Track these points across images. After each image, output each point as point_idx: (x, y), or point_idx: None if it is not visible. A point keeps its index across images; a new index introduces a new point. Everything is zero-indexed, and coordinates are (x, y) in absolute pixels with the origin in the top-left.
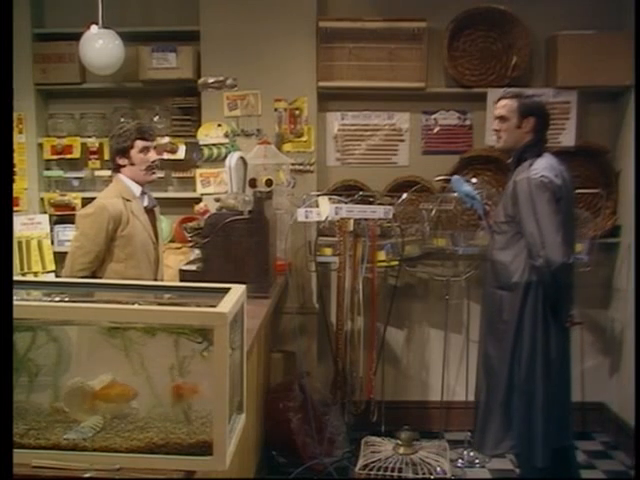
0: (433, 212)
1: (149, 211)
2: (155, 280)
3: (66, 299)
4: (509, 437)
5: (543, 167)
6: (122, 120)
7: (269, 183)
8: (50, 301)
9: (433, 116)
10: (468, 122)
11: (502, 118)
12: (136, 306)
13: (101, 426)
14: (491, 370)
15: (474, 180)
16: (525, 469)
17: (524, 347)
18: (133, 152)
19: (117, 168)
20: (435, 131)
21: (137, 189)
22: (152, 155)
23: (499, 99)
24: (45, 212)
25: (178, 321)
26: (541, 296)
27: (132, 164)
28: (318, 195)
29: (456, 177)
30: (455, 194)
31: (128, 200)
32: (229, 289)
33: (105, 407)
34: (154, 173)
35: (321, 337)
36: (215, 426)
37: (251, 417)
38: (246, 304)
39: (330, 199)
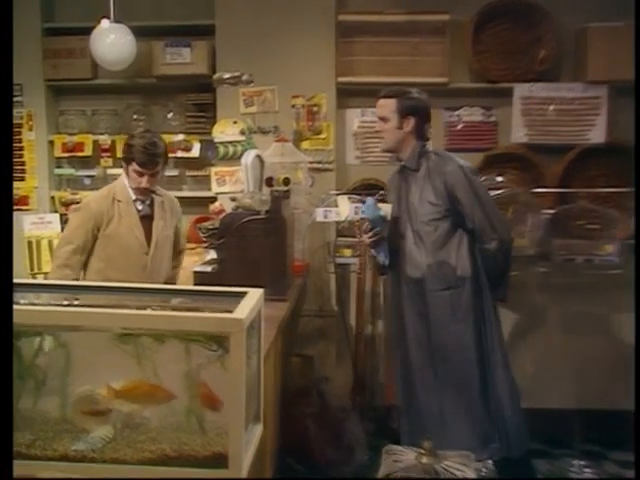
0: None
1: (145, 217)
2: None
3: (75, 303)
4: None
5: (455, 156)
6: (137, 119)
7: (286, 182)
8: (59, 305)
9: (456, 112)
10: (493, 118)
11: (382, 119)
12: (148, 311)
13: (111, 437)
14: (457, 371)
15: (499, 179)
16: None
17: (488, 338)
18: (130, 168)
19: (123, 165)
20: (458, 128)
21: (132, 193)
22: (144, 182)
23: (378, 98)
24: (56, 211)
25: (193, 327)
26: (486, 282)
27: (127, 176)
28: (337, 194)
29: (370, 200)
30: (365, 216)
31: (119, 201)
32: (246, 293)
33: (117, 416)
34: (144, 195)
35: (340, 341)
36: (231, 437)
37: (267, 423)
38: (263, 308)
39: (350, 198)
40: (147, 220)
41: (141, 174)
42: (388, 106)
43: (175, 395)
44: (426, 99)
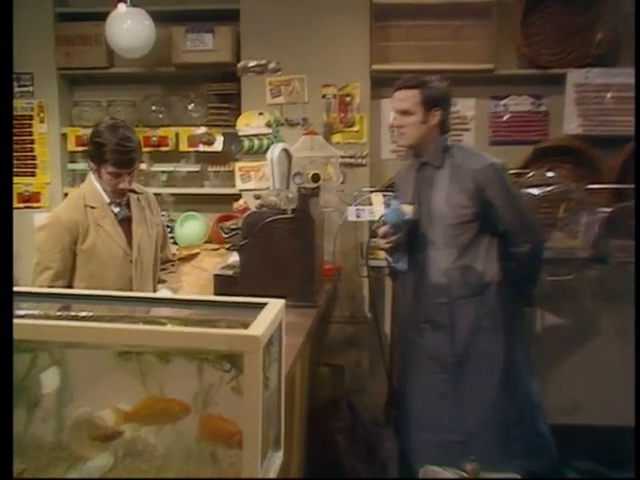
0: None
1: (123, 220)
2: None
3: (72, 315)
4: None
5: (483, 152)
6: (155, 110)
7: (316, 178)
8: (54, 318)
9: (503, 102)
10: (543, 108)
11: (404, 112)
12: (151, 327)
13: (111, 465)
14: (480, 383)
15: (550, 174)
16: None
17: (513, 348)
18: (102, 170)
19: (90, 165)
20: (505, 119)
21: (106, 196)
22: (122, 183)
23: (397, 89)
24: None
25: (201, 345)
26: (513, 288)
27: (100, 178)
28: (371, 191)
29: (394, 203)
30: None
31: (92, 207)
32: (265, 304)
33: (118, 442)
34: (121, 198)
35: (373, 350)
36: (245, 467)
37: (293, 441)
38: (285, 318)
39: (385, 196)
40: (125, 223)
41: (118, 175)
42: (411, 98)
43: (191, 407)
44: (448, 88)
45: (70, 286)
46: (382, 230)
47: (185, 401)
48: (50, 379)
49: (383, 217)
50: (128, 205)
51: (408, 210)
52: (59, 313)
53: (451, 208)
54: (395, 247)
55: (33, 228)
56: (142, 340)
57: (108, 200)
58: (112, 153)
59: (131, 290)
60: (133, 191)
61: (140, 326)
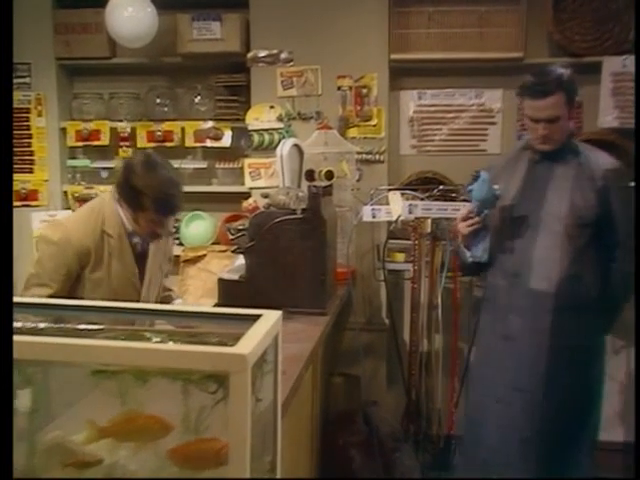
0: None
1: (139, 254)
2: None
3: (41, 326)
4: None
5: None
6: (160, 103)
7: (330, 175)
8: (23, 332)
9: None
10: (577, 99)
11: (553, 120)
12: (124, 343)
13: None
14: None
15: None
16: None
17: (602, 367)
18: (140, 216)
19: (118, 198)
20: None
21: (128, 225)
22: (163, 230)
23: (540, 98)
24: (68, 208)
25: (182, 364)
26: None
27: (135, 221)
28: (389, 190)
29: (484, 175)
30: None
31: (110, 236)
32: (259, 316)
33: (95, 470)
34: (157, 240)
35: (391, 359)
36: None
37: (303, 455)
38: (293, 326)
39: (403, 195)
40: (141, 257)
41: (159, 222)
42: (558, 103)
43: (174, 425)
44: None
45: None
46: (464, 210)
47: (167, 420)
48: (26, 398)
49: (470, 192)
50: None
51: (497, 188)
52: (31, 326)
53: (571, 208)
54: (477, 231)
55: (31, 227)
56: (114, 358)
57: (130, 230)
58: (155, 202)
59: None
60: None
61: (112, 342)
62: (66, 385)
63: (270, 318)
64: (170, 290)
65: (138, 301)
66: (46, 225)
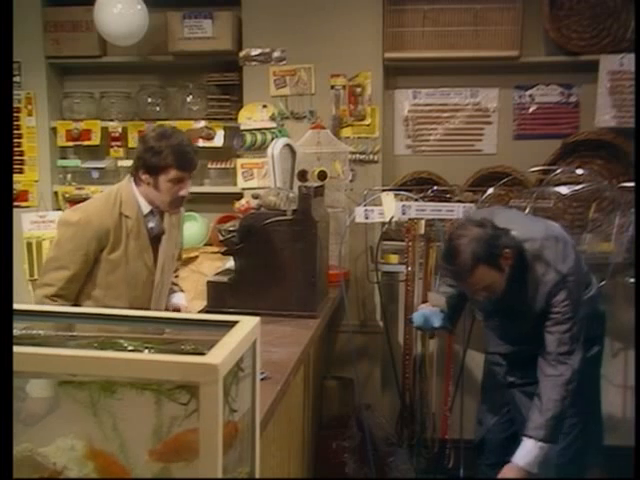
0: (527, 210)
1: (154, 237)
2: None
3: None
4: None
5: None
6: (152, 102)
7: (322, 176)
8: None
9: (529, 92)
10: (574, 98)
11: (488, 288)
12: (91, 352)
13: None
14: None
15: (580, 171)
16: None
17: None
18: (162, 178)
19: (137, 179)
20: (531, 110)
21: (146, 207)
22: (184, 189)
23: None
24: (59, 208)
25: (151, 374)
26: None
27: (156, 189)
28: (382, 190)
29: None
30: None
31: (127, 217)
32: (236, 323)
33: None
34: (179, 207)
35: (385, 362)
36: None
37: (295, 462)
38: (282, 329)
39: (397, 195)
40: (155, 240)
41: (180, 180)
42: (483, 275)
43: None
44: None
45: (81, 290)
46: None
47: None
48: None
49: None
50: (162, 221)
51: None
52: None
53: None
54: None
55: (21, 229)
56: (79, 369)
57: (145, 212)
58: (174, 156)
59: (148, 307)
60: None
61: (76, 352)
62: (34, 395)
63: (247, 324)
64: (175, 285)
65: (152, 284)
66: (65, 211)
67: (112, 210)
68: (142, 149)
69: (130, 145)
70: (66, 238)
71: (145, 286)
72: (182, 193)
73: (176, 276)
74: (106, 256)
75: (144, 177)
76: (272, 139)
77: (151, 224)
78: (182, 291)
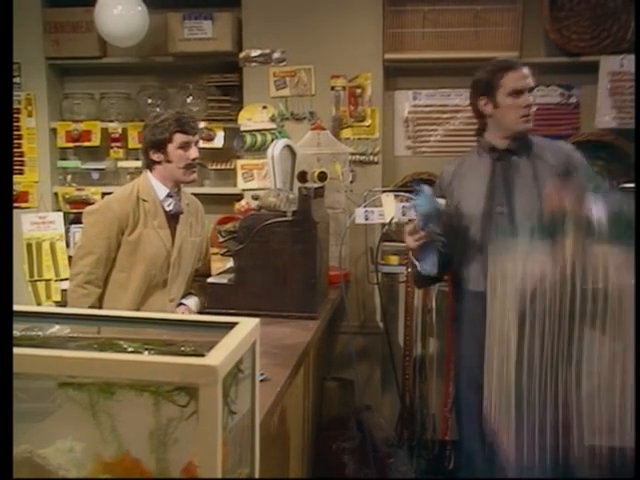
0: None
1: (172, 217)
2: (170, 299)
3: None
4: None
5: None
6: (152, 103)
7: (322, 177)
8: None
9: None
10: (574, 99)
11: (531, 90)
12: (90, 354)
13: None
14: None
15: None
16: None
17: None
18: (171, 147)
19: (150, 165)
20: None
21: (162, 191)
22: (193, 152)
23: (517, 68)
24: (59, 209)
25: (150, 376)
26: None
27: (168, 161)
28: (383, 191)
29: (427, 189)
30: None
31: (144, 200)
32: (235, 324)
33: None
34: (194, 172)
35: (385, 363)
36: None
37: (294, 463)
38: (260, 340)
39: (397, 196)
40: (173, 221)
41: (188, 144)
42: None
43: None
44: None
45: (108, 276)
46: (410, 225)
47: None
48: None
49: (415, 206)
50: (179, 204)
51: (441, 202)
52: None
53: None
54: (425, 245)
55: (21, 230)
56: (78, 370)
57: (162, 196)
58: (176, 122)
59: (163, 289)
60: (202, 165)
61: (75, 353)
62: (33, 396)
63: (247, 326)
64: (193, 289)
65: (169, 265)
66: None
67: (130, 196)
68: (147, 132)
69: (130, 146)
70: (90, 225)
71: (163, 266)
72: (192, 155)
73: (198, 281)
74: (126, 238)
75: (155, 156)
76: (272, 140)
77: (168, 206)
78: (197, 296)
